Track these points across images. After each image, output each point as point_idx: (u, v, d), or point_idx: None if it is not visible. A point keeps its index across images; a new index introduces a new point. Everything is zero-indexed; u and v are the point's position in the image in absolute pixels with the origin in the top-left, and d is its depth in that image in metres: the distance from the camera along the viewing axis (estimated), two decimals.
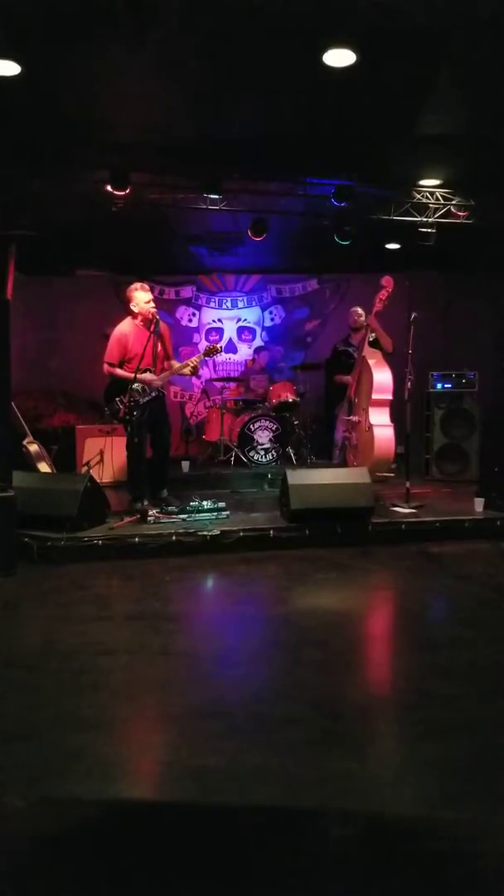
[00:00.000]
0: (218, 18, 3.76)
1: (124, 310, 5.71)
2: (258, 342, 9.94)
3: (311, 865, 1.66)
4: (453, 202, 6.67)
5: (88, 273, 9.67)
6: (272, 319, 10.08)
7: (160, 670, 2.88)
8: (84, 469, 6.89)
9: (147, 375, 5.36)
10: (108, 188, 5.95)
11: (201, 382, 9.75)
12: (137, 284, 5.54)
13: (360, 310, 6.64)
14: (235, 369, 9.77)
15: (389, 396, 5.68)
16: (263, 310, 10.06)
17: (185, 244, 8.40)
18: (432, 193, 6.63)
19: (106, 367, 5.41)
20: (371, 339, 5.98)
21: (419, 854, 1.72)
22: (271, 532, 4.95)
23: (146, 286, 5.56)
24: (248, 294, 10.05)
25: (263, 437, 7.80)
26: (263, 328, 10.07)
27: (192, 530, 4.85)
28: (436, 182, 6.50)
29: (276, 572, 4.42)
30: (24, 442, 6.35)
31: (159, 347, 5.45)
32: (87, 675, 2.79)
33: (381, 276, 5.73)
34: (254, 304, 10.06)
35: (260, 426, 7.80)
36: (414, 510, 5.53)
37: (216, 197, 6.28)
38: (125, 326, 5.50)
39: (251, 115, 5.04)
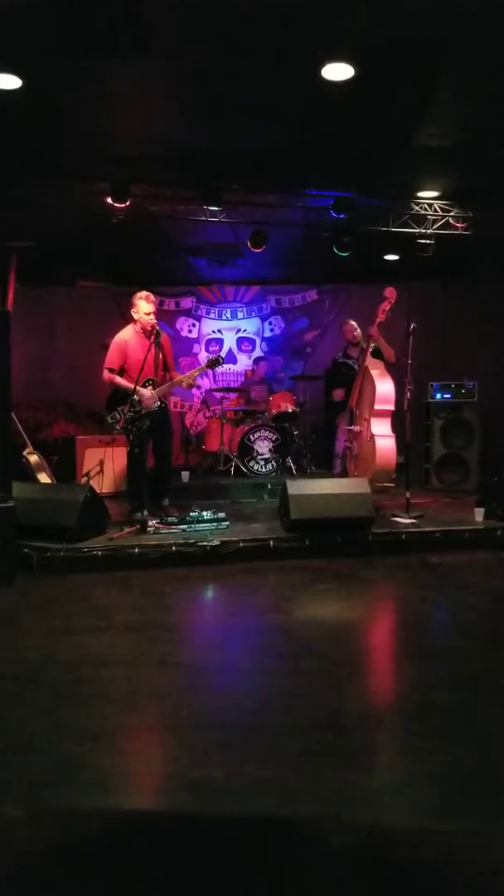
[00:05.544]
0: (217, 33, 3.80)
1: (124, 317, 5.70)
2: (258, 353, 9.97)
3: (310, 876, 1.65)
4: (451, 213, 6.71)
5: (89, 284, 9.72)
6: (272, 330, 10.11)
7: (160, 681, 2.87)
8: (84, 479, 6.89)
9: (146, 391, 5.33)
10: (109, 200, 5.99)
11: (201, 393, 9.77)
12: (144, 293, 5.49)
13: (354, 324, 6.60)
14: (235, 380, 9.79)
15: (391, 407, 5.69)
16: (263, 320, 10.10)
17: (184, 255, 8.45)
18: (430, 205, 6.67)
19: (105, 373, 5.39)
20: (372, 350, 5.98)
21: (418, 864, 1.71)
22: (271, 542, 4.94)
23: (151, 297, 5.50)
24: (247, 305, 10.09)
25: (263, 447, 7.81)
26: (263, 339, 10.10)
27: (191, 541, 4.84)
28: (434, 193, 6.55)
29: (276, 583, 4.41)
30: (24, 452, 6.36)
31: (160, 357, 5.45)
32: (86, 685, 2.78)
33: (383, 287, 5.73)
34: (253, 314, 10.10)
35: (260, 436, 7.82)
36: (414, 520, 5.52)
37: (216, 209, 6.32)
38: (126, 333, 5.50)
39: (251, 127, 5.08)
